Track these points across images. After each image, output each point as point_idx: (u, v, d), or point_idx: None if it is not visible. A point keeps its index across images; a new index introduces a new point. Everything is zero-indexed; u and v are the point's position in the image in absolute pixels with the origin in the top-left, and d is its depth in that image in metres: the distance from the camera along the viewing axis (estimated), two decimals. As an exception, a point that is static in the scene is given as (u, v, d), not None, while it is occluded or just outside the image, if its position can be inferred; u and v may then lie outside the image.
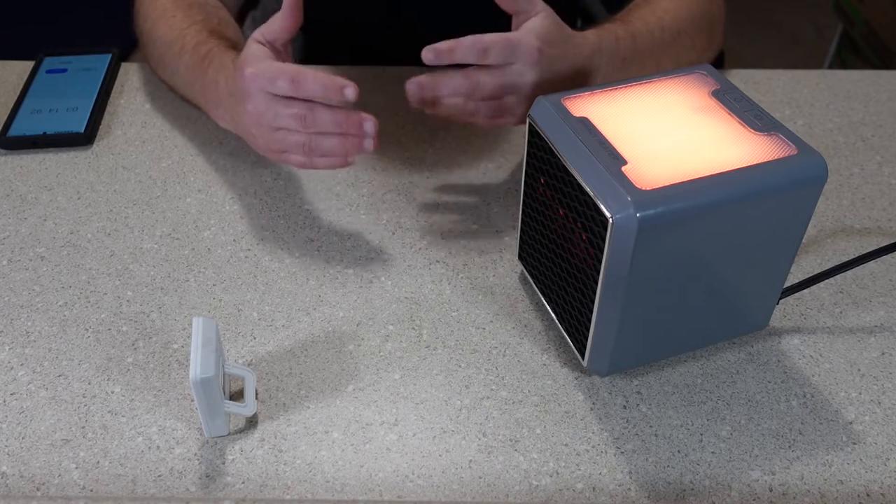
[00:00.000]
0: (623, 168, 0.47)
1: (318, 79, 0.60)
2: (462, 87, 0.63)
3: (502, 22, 0.94)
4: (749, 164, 0.48)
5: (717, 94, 0.54)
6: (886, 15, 1.87)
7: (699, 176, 0.47)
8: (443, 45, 0.61)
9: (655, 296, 0.50)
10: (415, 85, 0.64)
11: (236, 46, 0.73)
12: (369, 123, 0.61)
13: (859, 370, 0.57)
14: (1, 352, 0.58)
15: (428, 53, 0.61)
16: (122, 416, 0.53)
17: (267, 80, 0.61)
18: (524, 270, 0.62)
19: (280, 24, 0.64)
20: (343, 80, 0.59)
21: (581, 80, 0.68)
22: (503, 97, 0.65)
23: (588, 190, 0.48)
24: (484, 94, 0.64)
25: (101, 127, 0.80)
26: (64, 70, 0.86)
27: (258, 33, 0.64)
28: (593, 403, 0.54)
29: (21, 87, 0.84)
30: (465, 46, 0.62)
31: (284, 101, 0.62)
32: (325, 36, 1.03)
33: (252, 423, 0.53)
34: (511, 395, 0.55)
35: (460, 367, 0.57)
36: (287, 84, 0.60)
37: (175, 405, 0.54)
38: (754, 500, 0.49)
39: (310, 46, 1.07)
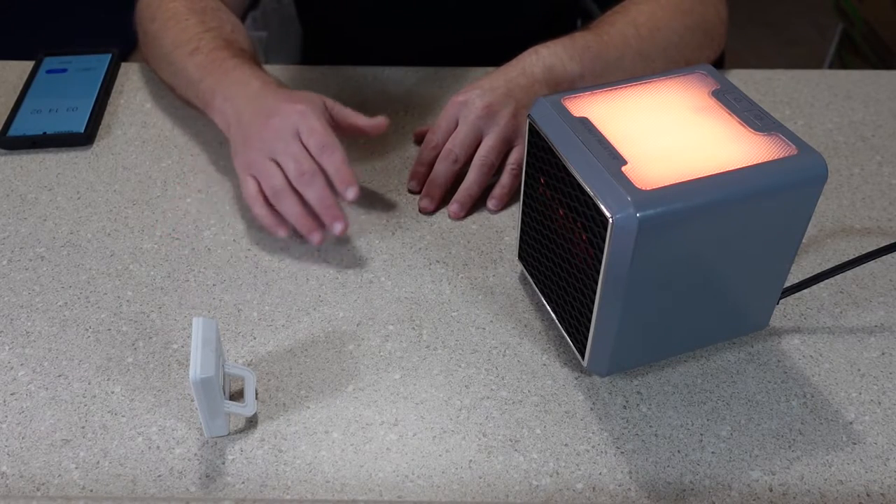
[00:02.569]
0: (623, 168, 0.47)
1: (338, 159, 0.63)
2: (453, 152, 0.70)
3: (500, 20, 0.94)
4: (749, 164, 0.48)
5: (717, 94, 0.54)
6: (886, 15, 1.87)
7: (699, 176, 0.47)
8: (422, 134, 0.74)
9: (655, 296, 0.50)
10: (458, 205, 0.70)
11: (254, 57, 0.75)
12: (339, 225, 0.63)
13: (859, 370, 0.57)
14: (1, 352, 0.58)
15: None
16: (122, 416, 0.53)
17: (307, 127, 0.63)
18: (524, 270, 0.62)
19: (355, 122, 0.69)
20: (351, 179, 0.63)
21: (557, 86, 0.72)
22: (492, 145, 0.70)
23: (588, 190, 0.48)
24: (467, 143, 0.70)
25: (101, 127, 0.80)
26: (64, 70, 0.86)
27: (331, 102, 0.68)
28: (593, 403, 0.54)
29: (21, 87, 0.84)
30: (432, 134, 0.72)
31: (302, 145, 0.64)
32: (324, 35, 1.03)
33: (252, 423, 0.53)
34: (511, 395, 0.55)
35: (460, 367, 0.57)
36: (317, 145, 0.63)
37: (175, 405, 0.54)
38: (754, 500, 0.49)
39: (309, 46, 1.08)
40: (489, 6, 0.93)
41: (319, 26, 1.03)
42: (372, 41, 0.97)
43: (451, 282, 0.63)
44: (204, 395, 0.49)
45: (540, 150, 0.53)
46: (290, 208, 0.63)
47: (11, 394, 0.55)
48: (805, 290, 0.61)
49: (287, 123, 0.64)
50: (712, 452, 0.51)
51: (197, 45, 0.74)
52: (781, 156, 0.49)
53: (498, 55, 0.76)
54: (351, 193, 0.62)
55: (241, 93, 0.68)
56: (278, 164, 0.64)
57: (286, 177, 0.63)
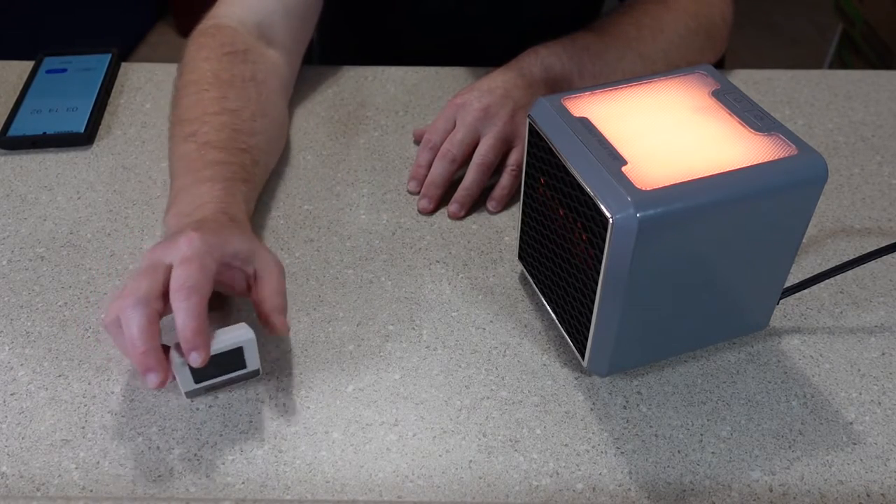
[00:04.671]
0: (623, 168, 0.47)
1: (194, 305, 0.48)
2: (453, 148, 0.70)
3: (506, 17, 0.94)
4: (749, 164, 0.48)
5: (717, 94, 0.54)
6: (886, 15, 1.87)
7: (699, 176, 0.47)
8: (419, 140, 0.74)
9: (655, 296, 0.50)
10: (457, 205, 0.69)
11: (257, 161, 0.66)
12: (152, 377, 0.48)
13: (859, 370, 0.57)
14: (1, 352, 0.58)
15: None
16: (122, 416, 0.53)
17: (181, 257, 0.51)
18: (524, 270, 0.62)
19: (266, 311, 0.53)
20: (196, 342, 0.48)
21: (556, 86, 0.73)
22: (486, 146, 0.70)
23: (588, 190, 0.48)
24: (465, 143, 0.70)
25: (101, 127, 0.80)
26: (64, 70, 0.86)
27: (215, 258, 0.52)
28: (593, 403, 0.54)
29: (21, 87, 0.84)
30: (430, 135, 0.72)
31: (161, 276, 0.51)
32: (332, 36, 1.03)
33: (252, 422, 0.53)
34: (511, 396, 0.55)
35: (460, 367, 0.57)
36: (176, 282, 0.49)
37: (175, 405, 0.54)
38: (754, 500, 0.49)
39: (322, 46, 1.07)
40: (488, 4, 0.92)
41: (325, 28, 1.03)
42: (376, 41, 0.97)
43: (451, 282, 0.63)
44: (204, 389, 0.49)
45: (540, 150, 0.53)
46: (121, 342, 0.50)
47: (11, 394, 0.55)
48: (805, 290, 0.61)
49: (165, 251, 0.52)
50: (712, 452, 0.51)
51: (195, 131, 0.64)
52: (781, 156, 0.49)
53: (513, 55, 0.75)
54: (196, 359, 0.48)
55: (185, 215, 0.58)
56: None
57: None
